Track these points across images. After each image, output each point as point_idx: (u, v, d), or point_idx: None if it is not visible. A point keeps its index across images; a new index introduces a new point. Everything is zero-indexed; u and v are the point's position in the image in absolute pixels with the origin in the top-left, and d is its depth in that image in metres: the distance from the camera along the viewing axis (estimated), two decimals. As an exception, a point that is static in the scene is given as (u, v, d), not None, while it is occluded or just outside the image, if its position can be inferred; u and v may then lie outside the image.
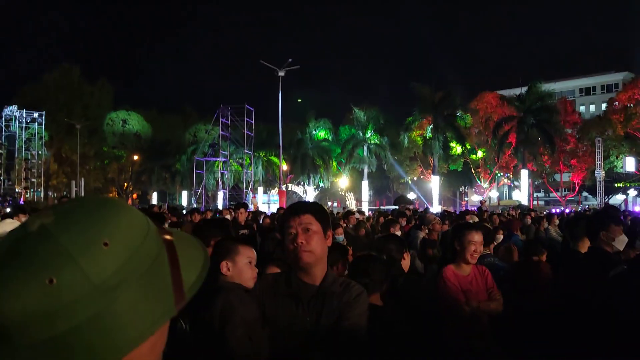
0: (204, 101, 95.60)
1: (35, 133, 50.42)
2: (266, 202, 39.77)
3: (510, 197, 58.30)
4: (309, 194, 46.90)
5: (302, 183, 48.35)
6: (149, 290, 0.74)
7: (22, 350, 0.68)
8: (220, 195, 40.81)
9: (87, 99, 57.80)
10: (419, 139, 46.71)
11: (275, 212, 15.60)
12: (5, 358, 0.68)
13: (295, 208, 2.49)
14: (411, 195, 43.73)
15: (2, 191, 46.71)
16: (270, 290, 2.51)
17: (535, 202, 51.32)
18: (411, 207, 21.77)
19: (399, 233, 7.86)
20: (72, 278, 0.67)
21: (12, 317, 0.66)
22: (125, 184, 60.64)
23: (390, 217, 11.68)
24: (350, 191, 51.43)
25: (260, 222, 11.77)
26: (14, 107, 50.34)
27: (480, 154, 49.42)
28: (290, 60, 34.90)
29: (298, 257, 2.36)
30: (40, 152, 50.50)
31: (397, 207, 21.70)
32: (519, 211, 18.15)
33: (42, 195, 50.36)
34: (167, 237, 0.80)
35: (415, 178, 51.26)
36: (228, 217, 11.43)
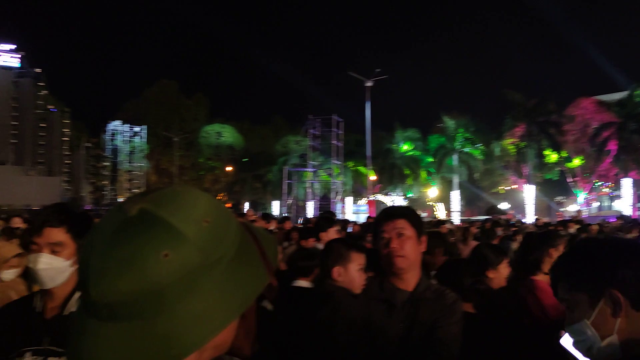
0: (294, 112, 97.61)
1: (137, 146, 53.41)
2: (355, 212, 39.97)
3: (610, 207, 55.30)
4: (397, 204, 46.54)
5: (390, 193, 48.16)
6: (244, 264, 0.79)
7: (116, 331, 0.72)
8: (310, 205, 41.43)
9: (184, 112, 60.57)
10: (511, 147, 45.34)
11: (365, 221, 15.71)
12: (101, 338, 0.72)
13: (389, 212, 2.48)
14: (503, 206, 42.45)
15: (107, 200, 49.79)
16: (363, 294, 2.53)
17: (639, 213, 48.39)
18: (504, 217, 21.22)
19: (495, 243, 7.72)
20: (185, 252, 0.72)
21: (124, 294, 0.71)
22: (220, 194, 62.79)
23: (485, 226, 11.47)
24: (440, 201, 50.64)
25: (350, 230, 11.91)
26: (118, 122, 53.64)
27: (577, 162, 47.32)
28: (378, 70, 34.99)
29: (391, 262, 2.34)
30: (141, 164, 53.41)
31: (489, 217, 21.21)
32: (622, 222, 17.23)
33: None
34: (240, 219, 0.85)
35: (507, 188, 49.72)
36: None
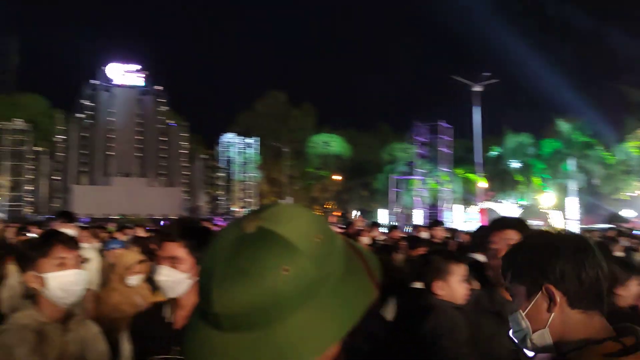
0: (400, 119, 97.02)
1: (249, 157, 55.55)
2: (466, 220, 39.21)
3: None
4: (510, 212, 45.11)
5: (502, 200, 46.68)
6: (353, 279, 0.83)
7: (235, 341, 0.77)
8: (418, 213, 41.16)
9: (292, 123, 62.17)
10: (635, 149, 42.52)
11: (476, 230, 15.46)
12: (221, 347, 0.77)
13: (499, 223, 2.42)
14: (627, 213, 39.84)
15: (223, 210, 52.16)
16: (473, 306, 2.47)
17: None
18: (628, 226, 20.04)
19: (620, 254, 7.25)
20: (303, 267, 0.76)
21: (247, 306, 0.75)
22: (328, 203, 63.72)
23: (606, 235, 11.00)
24: (556, 209, 48.34)
25: (459, 239, 11.83)
26: (232, 134, 56.07)
27: None
28: (486, 74, 34.19)
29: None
30: (253, 175, 55.47)
31: (611, 226, 20.06)
32: None
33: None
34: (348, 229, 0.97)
35: (631, 194, 46.57)
36: (424, 234, 11.70)
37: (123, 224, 18.03)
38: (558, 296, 1.38)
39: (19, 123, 46.48)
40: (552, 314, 1.39)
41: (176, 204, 45.09)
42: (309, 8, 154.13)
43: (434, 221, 12.35)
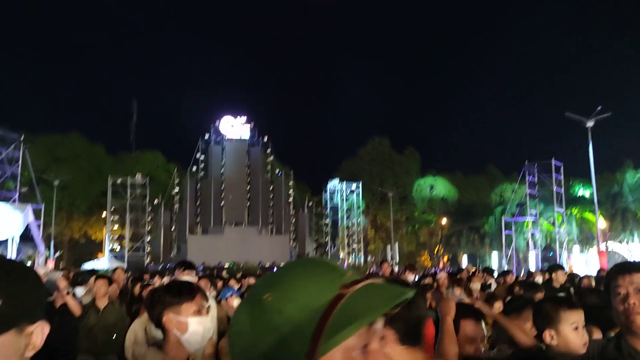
0: (508, 159, 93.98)
1: (354, 203, 55.88)
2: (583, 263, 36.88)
3: None
4: (635, 253, 41.91)
5: (624, 241, 43.53)
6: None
7: None
8: (531, 255, 39.30)
9: (396, 167, 62.18)
10: None
11: (596, 273, 14.51)
12: None
13: (625, 266, 2.29)
14: None
15: (329, 256, 52.47)
16: (597, 358, 2.30)
17: None
18: None
19: None
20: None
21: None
22: (436, 247, 62.48)
23: None
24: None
25: (578, 283, 11.16)
26: (336, 181, 56.83)
27: None
28: (599, 108, 32.52)
29: (630, 320, 2.10)
30: (358, 220, 55.62)
31: None
32: None
33: (362, 260, 54.85)
34: (343, 290, 0.85)
35: None
36: (540, 279, 11.13)
37: (235, 272, 18.62)
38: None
39: (139, 178, 49.86)
40: None
41: (285, 251, 45.99)
42: (407, 57, 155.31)
43: (552, 265, 11.69)
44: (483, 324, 3.25)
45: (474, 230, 56.46)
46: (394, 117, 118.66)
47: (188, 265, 5.18)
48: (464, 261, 59.52)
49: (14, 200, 32.78)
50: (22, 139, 36.78)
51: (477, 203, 57.59)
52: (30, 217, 19.39)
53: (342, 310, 0.80)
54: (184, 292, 2.43)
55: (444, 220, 59.51)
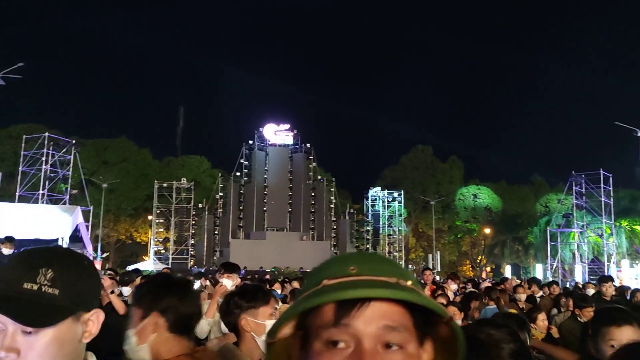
0: (554, 170, 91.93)
1: (395, 211, 55.63)
2: (635, 277, 35.76)
3: None
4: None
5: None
6: None
7: None
8: (577, 268, 38.36)
9: (439, 176, 61.67)
10: None
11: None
12: None
13: None
14: None
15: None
16: None
17: None
18: None
19: None
20: None
21: None
22: (479, 257, 61.62)
23: None
24: None
25: (629, 297, 10.94)
26: (378, 189, 56.70)
27: None
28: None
29: None
30: (400, 228, 55.32)
31: None
32: None
33: (403, 268, 54.41)
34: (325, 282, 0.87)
35: None
36: (591, 290, 10.94)
37: (276, 277, 18.81)
38: (161, 322, 1.99)
39: (183, 182, 50.86)
40: (154, 334, 1.97)
41: (325, 257, 45.66)
42: (452, 65, 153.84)
43: (602, 276, 11.44)
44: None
45: (518, 241, 55.48)
46: (437, 125, 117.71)
47: (231, 268, 5.19)
48: (507, 272, 58.53)
49: (65, 202, 33.92)
50: (73, 142, 38.07)
51: (521, 213, 56.57)
52: (80, 219, 20.02)
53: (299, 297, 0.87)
54: (259, 297, 2.57)
55: (487, 230, 58.65)
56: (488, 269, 61.15)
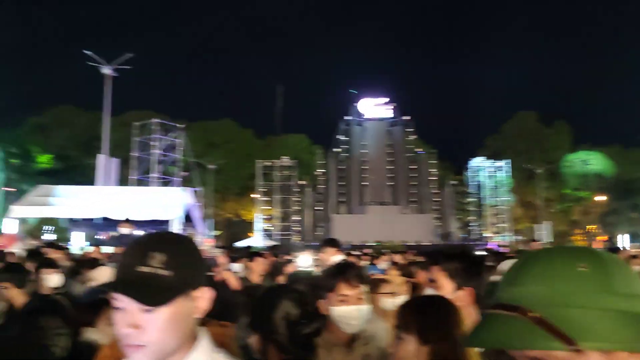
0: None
1: (499, 180, 54.01)
2: None
3: None
4: None
5: None
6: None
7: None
8: None
9: (545, 142, 58.96)
10: None
11: None
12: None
13: None
14: None
15: (475, 235, 51.37)
16: None
17: None
18: None
19: None
20: None
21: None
22: (591, 227, 58.63)
23: None
24: None
25: None
26: (480, 159, 55.24)
27: None
28: None
29: None
30: (505, 199, 53.70)
31: None
32: None
33: (508, 240, 53.06)
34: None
35: None
36: None
37: (379, 251, 18.99)
38: None
39: (285, 160, 52.07)
40: None
41: (428, 231, 45.78)
42: (554, 24, 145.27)
43: None
44: None
45: (635, 209, 52.21)
46: (540, 89, 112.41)
47: (333, 244, 5.25)
48: (625, 241, 55.35)
49: (176, 184, 35.84)
50: (182, 127, 39.98)
51: (637, 178, 53.10)
52: (191, 199, 21.09)
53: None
54: (326, 283, 2.63)
55: (601, 198, 55.58)
56: (602, 238, 58.16)
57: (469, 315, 2.16)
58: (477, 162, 55.42)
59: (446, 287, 2.24)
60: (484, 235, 52.99)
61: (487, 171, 54.23)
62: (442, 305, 1.91)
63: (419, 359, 1.76)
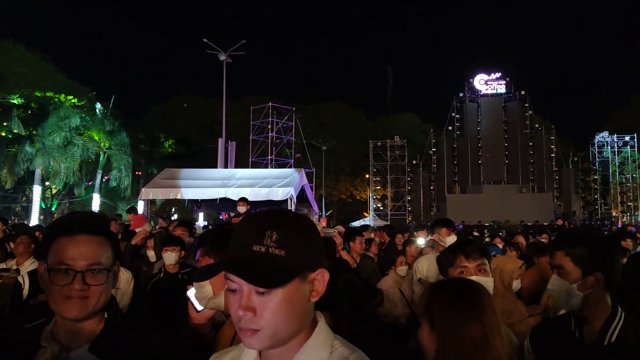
0: None
1: (628, 156, 50.53)
2: None
3: None
4: None
5: None
6: None
7: None
8: None
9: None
10: None
11: None
12: None
13: None
14: None
15: (601, 215, 48.52)
16: None
17: None
18: None
19: None
20: None
21: None
22: None
23: None
24: None
25: None
26: (605, 133, 51.92)
27: None
28: None
29: None
30: (634, 175, 50.19)
31: None
32: None
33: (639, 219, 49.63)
34: None
35: None
36: None
37: (495, 231, 18.52)
38: None
39: (397, 140, 51.77)
40: None
41: (548, 210, 43.72)
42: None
43: None
44: None
45: None
46: None
47: (447, 224, 5.08)
48: None
49: (290, 166, 36.82)
50: (293, 110, 40.98)
51: None
52: (305, 180, 21.54)
53: None
54: (447, 258, 2.73)
55: None
56: None
57: (599, 303, 2.07)
58: (602, 137, 52.16)
59: (572, 273, 2.09)
60: (611, 214, 49.97)
61: (614, 146, 50.87)
62: (462, 291, 1.82)
63: (431, 346, 1.75)
